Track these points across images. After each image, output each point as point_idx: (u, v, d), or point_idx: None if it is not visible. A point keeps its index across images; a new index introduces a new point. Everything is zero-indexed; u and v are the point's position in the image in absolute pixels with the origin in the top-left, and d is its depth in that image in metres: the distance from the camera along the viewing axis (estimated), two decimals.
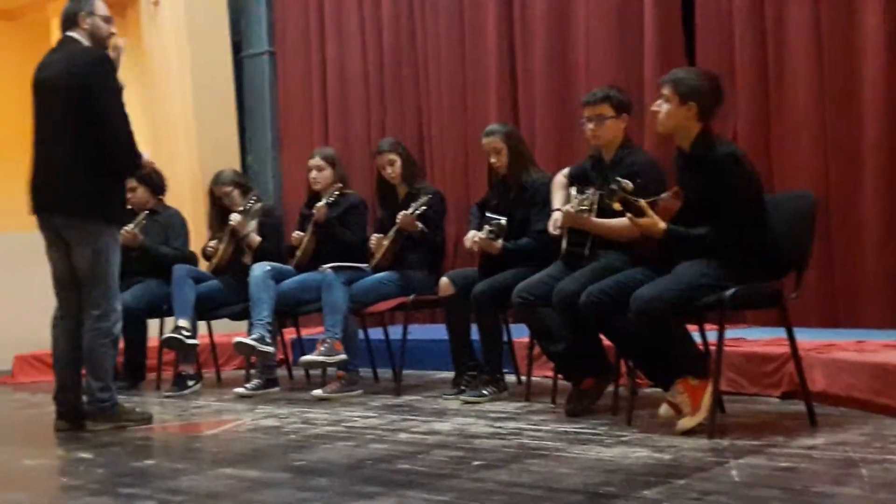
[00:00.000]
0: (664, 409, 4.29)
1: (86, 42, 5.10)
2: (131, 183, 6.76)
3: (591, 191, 4.79)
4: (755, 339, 5.44)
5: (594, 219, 4.72)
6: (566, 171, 5.33)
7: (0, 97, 9.94)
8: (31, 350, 7.61)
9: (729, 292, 4.08)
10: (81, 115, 4.94)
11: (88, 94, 4.93)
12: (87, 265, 5.01)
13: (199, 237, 7.37)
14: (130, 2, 9.58)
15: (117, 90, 5.03)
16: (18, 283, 7.55)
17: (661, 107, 4.35)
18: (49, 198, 5.03)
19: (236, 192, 6.79)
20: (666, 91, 4.33)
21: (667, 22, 6.86)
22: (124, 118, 5.02)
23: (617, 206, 4.21)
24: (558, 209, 5.15)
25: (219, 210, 6.85)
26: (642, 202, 4.20)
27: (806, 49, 6.20)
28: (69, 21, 5.13)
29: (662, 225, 4.21)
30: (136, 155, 5.10)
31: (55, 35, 9.92)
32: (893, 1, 5.86)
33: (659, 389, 4.52)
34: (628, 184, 4.23)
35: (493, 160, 5.63)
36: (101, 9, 5.16)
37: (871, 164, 5.94)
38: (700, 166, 4.27)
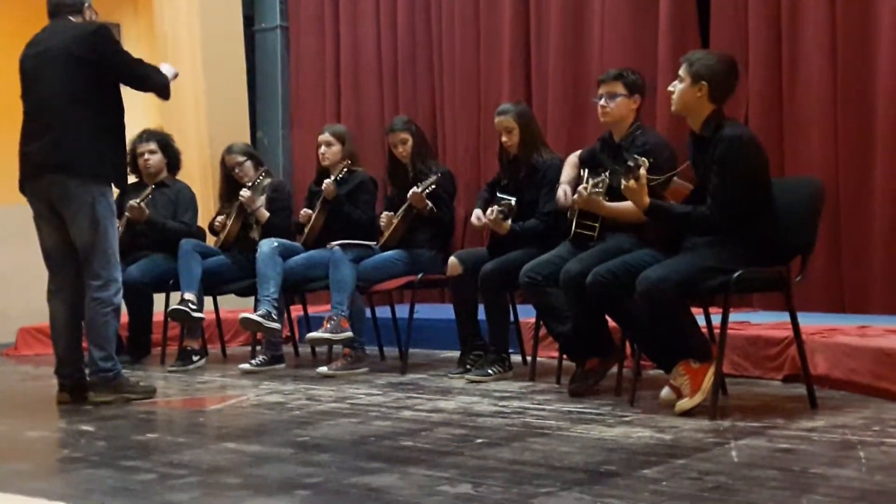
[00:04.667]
0: (665, 392, 4.31)
1: None
2: (151, 146, 6.83)
3: (605, 174, 4.79)
4: (760, 322, 5.44)
5: (608, 203, 4.72)
6: (579, 152, 5.34)
7: None
8: (34, 322, 7.59)
9: (734, 276, 4.08)
10: (88, 76, 5.02)
11: (102, 58, 5.04)
12: (86, 237, 5.01)
13: (206, 212, 7.37)
14: None
15: (123, 49, 5.19)
16: (21, 255, 7.53)
17: (676, 86, 4.34)
18: (43, 159, 5.01)
19: (249, 164, 6.80)
20: (681, 70, 4.32)
21: (681, 5, 6.83)
22: (142, 63, 5.23)
23: (632, 183, 4.19)
24: (565, 183, 5.17)
25: (229, 182, 6.86)
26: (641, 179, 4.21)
27: (820, 36, 6.16)
28: (72, 7, 5.20)
29: (647, 199, 4.21)
30: (165, 78, 5.29)
31: None
32: None
33: (662, 371, 4.52)
34: (645, 161, 4.22)
35: (504, 139, 5.63)
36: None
37: (882, 153, 5.91)
38: (707, 147, 4.27)
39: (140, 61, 5.22)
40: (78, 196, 5.00)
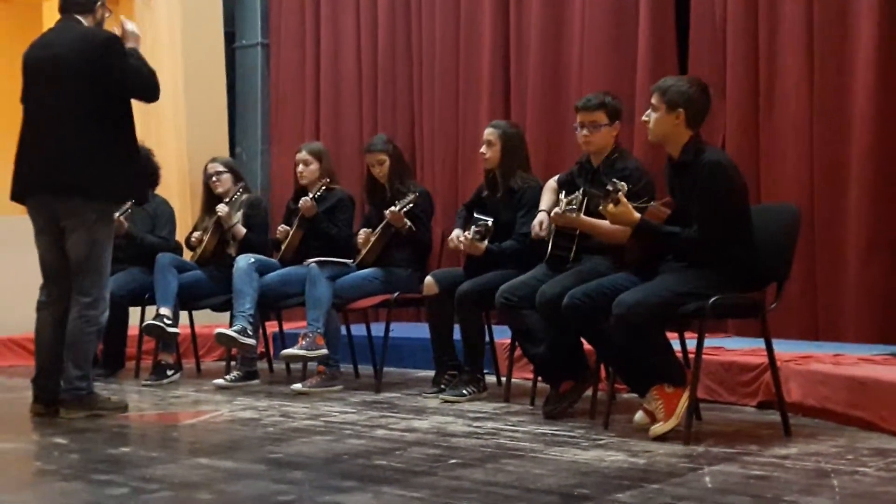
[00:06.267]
0: (639, 416, 4.32)
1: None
2: None
3: (579, 192, 4.81)
4: (734, 348, 5.46)
5: (583, 217, 4.71)
6: (557, 176, 5.35)
7: None
8: (7, 334, 7.54)
9: (710, 301, 4.10)
10: (99, 91, 4.94)
11: (109, 71, 4.94)
12: (83, 253, 4.97)
13: (184, 227, 7.35)
14: None
15: (131, 63, 5.06)
16: None
17: (650, 116, 4.36)
18: (48, 178, 4.96)
19: (227, 176, 6.79)
20: (654, 100, 4.35)
21: (661, 31, 6.86)
22: (139, 72, 5.07)
23: (610, 207, 4.21)
24: (544, 210, 5.17)
25: (209, 193, 6.85)
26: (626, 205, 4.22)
27: (797, 63, 6.21)
28: (83, 6, 5.10)
29: (636, 215, 4.22)
30: (157, 83, 5.15)
31: (48, 15, 9.84)
32: (886, 17, 5.87)
33: (637, 395, 4.53)
34: (624, 185, 4.24)
35: (482, 149, 5.63)
36: None
37: (857, 180, 5.94)
38: (688, 173, 4.29)
39: (137, 71, 5.05)
40: (81, 213, 4.96)
